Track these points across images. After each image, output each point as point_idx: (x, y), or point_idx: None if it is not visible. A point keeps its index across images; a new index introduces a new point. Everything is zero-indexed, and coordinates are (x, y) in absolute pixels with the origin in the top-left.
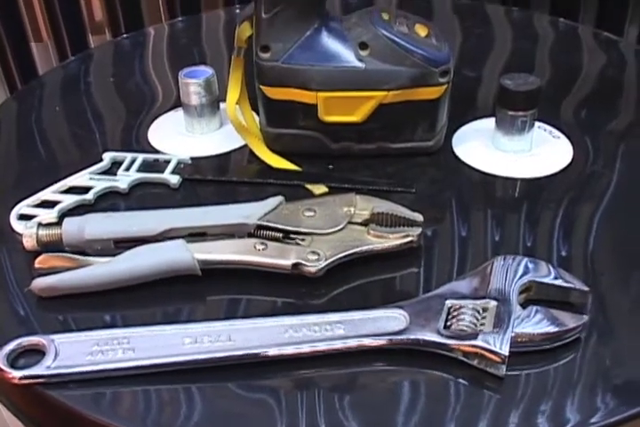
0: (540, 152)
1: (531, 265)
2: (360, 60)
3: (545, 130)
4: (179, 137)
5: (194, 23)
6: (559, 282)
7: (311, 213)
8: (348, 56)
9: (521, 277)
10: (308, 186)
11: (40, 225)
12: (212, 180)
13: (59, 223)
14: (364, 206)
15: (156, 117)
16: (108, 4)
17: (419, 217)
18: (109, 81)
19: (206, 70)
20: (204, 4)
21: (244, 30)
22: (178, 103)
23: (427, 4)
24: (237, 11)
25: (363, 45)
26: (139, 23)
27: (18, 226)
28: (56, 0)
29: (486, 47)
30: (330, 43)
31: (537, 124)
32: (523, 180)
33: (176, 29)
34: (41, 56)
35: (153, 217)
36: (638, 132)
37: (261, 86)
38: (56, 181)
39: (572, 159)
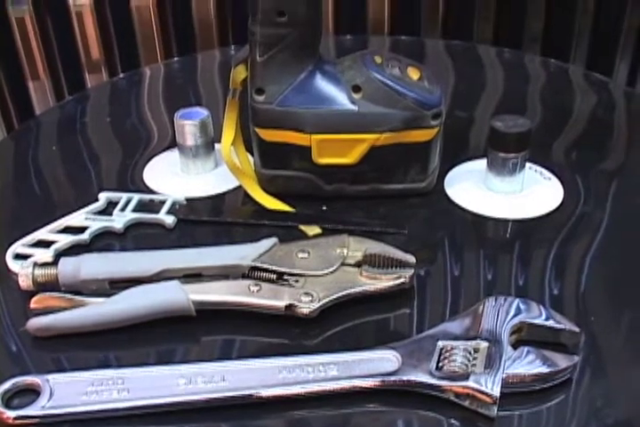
0: (531, 193)
1: (522, 306)
2: (353, 102)
3: (536, 171)
4: (174, 177)
5: (189, 63)
6: (550, 323)
7: (305, 255)
8: (341, 99)
9: (512, 318)
10: (302, 227)
11: (36, 265)
12: (206, 220)
13: (54, 263)
14: (356, 248)
15: (151, 157)
16: (104, 43)
17: (411, 259)
18: (106, 121)
19: (201, 111)
20: (200, 44)
21: (239, 73)
22: (173, 143)
23: (419, 46)
24: (232, 51)
25: (356, 88)
26: (135, 62)
27: (14, 265)
28: (53, 38)
29: (478, 88)
30: (323, 85)
31: (528, 164)
32: (514, 221)
33: (172, 69)
34: (37, 93)
35: (148, 258)
36: (628, 172)
37: (256, 128)
38: (52, 221)
39: (563, 200)
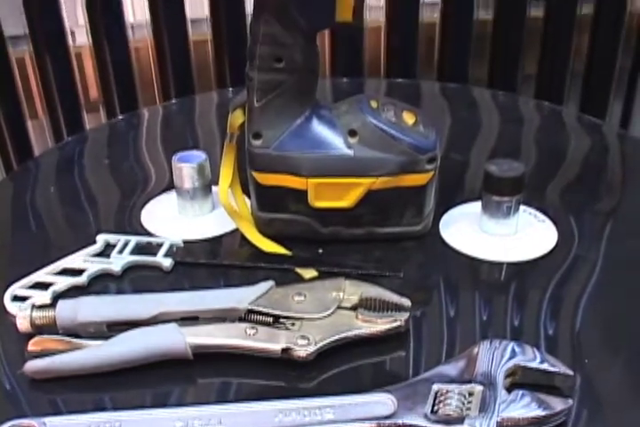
0: (525, 235)
1: (517, 349)
2: (349, 147)
3: (530, 213)
4: (171, 219)
5: (187, 105)
6: (545, 366)
7: (301, 298)
8: (337, 143)
9: (507, 361)
10: (299, 270)
11: (34, 307)
12: (204, 263)
13: (52, 305)
14: (352, 291)
15: (149, 199)
16: (103, 84)
17: (406, 302)
18: (104, 163)
19: (199, 155)
20: (198, 85)
21: (237, 117)
22: (171, 185)
23: (415, 88)
24: (230, 93)
25: (352, 133)
26: (133, 102)
27: (12, 307)
28: (52, 78)
29: (473, 131)
30: (320, 130)
31: (522, 207)
32: (509, 263)
33: (170, 111)
34: (36, 133)
35: (146, 301)
36: (622, 215)
37: (253, 172)
38: (50, 262)
39: (557, 242)
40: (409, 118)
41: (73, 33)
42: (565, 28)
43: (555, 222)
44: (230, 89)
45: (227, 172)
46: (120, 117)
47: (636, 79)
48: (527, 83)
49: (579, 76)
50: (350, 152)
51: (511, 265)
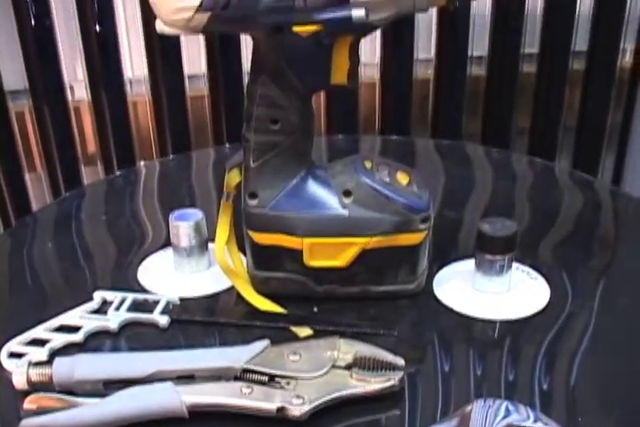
0: (518, 293)
1: (510, 408)
2: (344, 207)
3: (523, 271)
4: (168, 276)
5: (184, 161)
6: (538, 425)
7: (296, 357)
8: (332, 203)
9: (500, 420)
10: (294, 328)
11: (30, 364)
12: (200, 321)
13: (49, 362)
14: (347, 350)
15: (146, 256)
16: (101, 138)
17: (400, 361)
18: (101, 219)
19: (196, 213)
20: (195, 140)
21: (234, 177)
22: (168, 242)
23: (409, 145)
24: (227, 149)
25: (346, 193)
26: (130, 156)
27: (8, 364)
28: (51, 131)
29: (467, 188)
30: (315, 190)
31: (515, 265)
32: (502, 321)
33: (167, 167)
34: (34, 185)
35: (142, 359)
36: (614, 271)
37: (249, 232)
38: (47, 318)
39: (550, 300)
40: (403, 178)
41: (72, 88)
42: (557, 84)
43: (547, 280)
44: (227, 145)
45: (223, 230)
46: (118, 173)
47: (627, 134)
48: (520, 137)
49: (571, 131)
50: (345, 212)
51: (504, 323)
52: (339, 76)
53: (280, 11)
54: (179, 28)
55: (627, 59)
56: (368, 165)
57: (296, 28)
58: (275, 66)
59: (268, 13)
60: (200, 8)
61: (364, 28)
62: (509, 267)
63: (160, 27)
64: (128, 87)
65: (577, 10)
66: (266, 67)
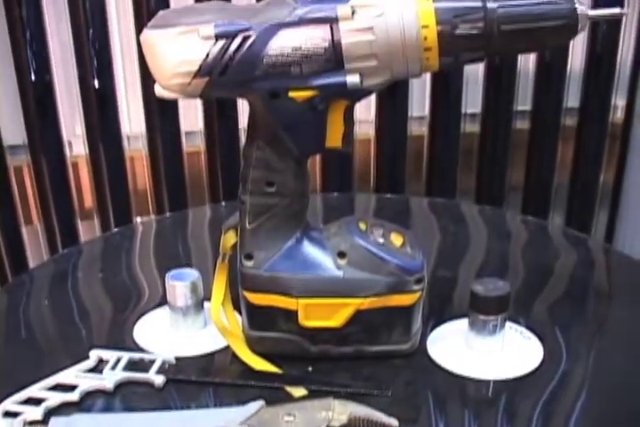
0: (511, 352)
1: None
2: (339, 268)
3: (516, 330)
4: (164, 335)
5: (181, 219)
6: None
7: (290, 418)
8: (327, 264)
9: None
10: (288, 388)
11: (25, 424)
12: (195, 381)
13: (44, 422)
14: (341, 411)
15: (142, 314)
16: (98, 192)
17: (394, 422)
18: (98, 276)
19: (192, 273)
20: (191, 196)
21: (229, 238)
22: (164, 300)
23: (404, 203)
24: (223, 207)
25: (341, 254)
26: (127, 211)
27: (3, 423)
28: (48, 186)
29: (461, 246)
30: (310, 251)
31: (508, 324)
32: (495, 381)
33: (163, 225)
34: (30, 239)
35: (137, 420)
36: (608, 330)
37: (244, 292)
38: (43, 377)
39: (543, 359)
40: (397, 239)
41: (70, 143)
42: (550, 140)
43: (541, 339)
44: (223, 203)
45: (219, 291)
46: (114, 230)
47: (619, 191)
48: (514, 193)
49: (564, 187)
50: (340, 273)
51: (498, 382)
52: (333, 139)
53: (276, 77)
54: (177, 92)
55: (618, 115)
56: (362, 226)
57: (292, 94)
58: (270, 130)
59: (265, 79)
60: (198, 74)
61: (359, 94)
62: (502, 326)
63: (158, 91)
64: (126, 143)
65: (568, 67)
66: (262, 130)
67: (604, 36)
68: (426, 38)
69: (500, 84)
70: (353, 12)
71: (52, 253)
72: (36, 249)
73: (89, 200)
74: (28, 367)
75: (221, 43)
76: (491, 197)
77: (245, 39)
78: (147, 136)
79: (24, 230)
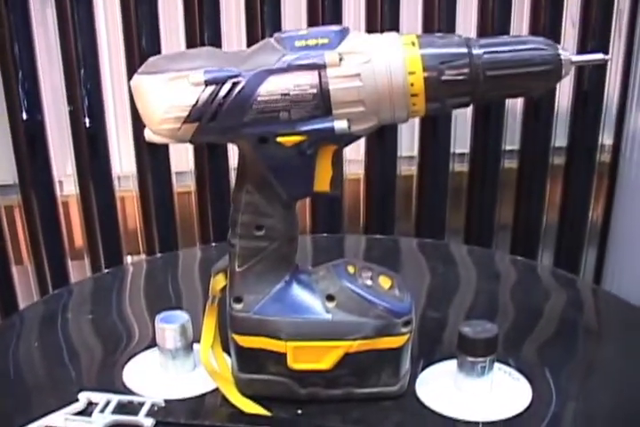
0: (500, 394)
1: None
2: (327, 311)
3: (505, 372)
4: (153, 377)
5: (171, 260)
6: None
7: None
8: (316, 307)
9: None
10: None
11: None
12: (184, 424)
13: None
14: None
15: (131, 356)
16: (88, 232)
17: None
18: (87, 318)
19: (181, 315)
20: (182, 236)
21: (219, 281)
22: (154, 342)
23: (393, 244)
24: (213, 249)
25: (330, 298)
26: (117, 251)
27: None
28: (39, 225)
29: (450, 287)
30: (299, 294)
31: (497, 365)
32: (484, 423)
33: (154, 266)
34: (20, 278)
35: None
36: (597, 370)
37: (234, 335)
38: (31, 420)
39: (532, 400)
40: (385, 282)
41: (61, 182)
42: (538, 179)
43: (530, 380)
44: (213, 244)
45: (208, 334)
46: (105, 271)
47: (607, 230)
48: (503, 232)
49: (553, 227)
50: (328, 316)
51: (487, 424)
52: (322, 184)
53: (265, 122)
54: (167, 137)
55: (606, 154)
56: (351, 269)
57: (280, 139)
58: (259, 174)
59: (254, 124)
60: (188, 119)
61: (347, 139)
62: (491, 368)
63: (148, 135)
64: (116, 182)
65: (555, 106)
66: (251, 175)
67: (591, 76)
68: (412, 84)
69: (488, 123)
70: (340, 59)
71: (42, 293)
72: (26, 289)
73: (79, 240)
74: (16, 410)
75: (211, 89)
76: (480, 236)
77: (235, 85)
78: (137, 176)
79: (14, 270)
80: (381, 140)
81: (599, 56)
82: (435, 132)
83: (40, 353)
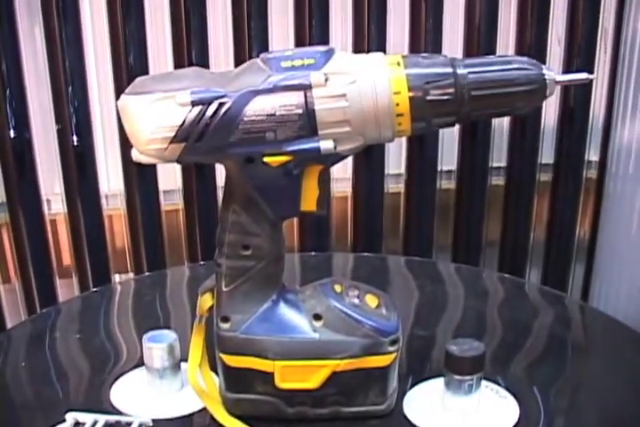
0: (487, 412)
1: None
2: (315, 330)
3: (492, 389)
4: (141, 397)
5: (159, 279)
6: None
7: None
8: (303, 327)
9: None
10: None
11: None
12: None
13: None
14: None
15: (119, 376)
16: (76, 251)
17: None
18: (75, 337)
19: (169, 335)
20: (169, 254)
21: (206, 301)
22: (142, 361)
23: (381, 261)
24: (201, 268)
25: (317, 317)
26: (105, 269)
27: None
28: (26, 243)
29: (438, 305)
30: (286, 314)
31: (485, 383)
32: None
33: (142, 285)
34: (8, 297)
35: None
36: (584, 387)
37: (221, 354)
38: None
39: (519, 418)
40: (372, 301)
41: (49, 201)
42: (526, 195)
43: (517, 397)
44: (201, 262)
45: (196, 353)
46: (93, 290)
47: (594, 246)
48: (491, 249)
49: (540, 243)
50: (315, 336)
51: None
52: (308, 203)
53: (251, 142)
54: (154, 157)
55: (592, 170)
56: (338, 288)
57: (266, 159)
58: (246, 194)
59: (240, 145)
60: (175, 139)
61: (333, 159)
62: (478, 386)
63: (135, 155)
64: (104, 201)
65: (542, 123)
66: (237, 195)
67: (577, 93)
68: (398, 104)
69: (475, 140)
70: (326, 79)
71: (30, 312)
72: (13, 308)
73: (67, 258)
74: None
75: (198, 109)
76: (467, 253)
77: (221, 106)
78: (125, 194)
79: (2, 289)
80: (369, 158)
81: (583, 76)
82: (422, 149)
83: (27, 373)
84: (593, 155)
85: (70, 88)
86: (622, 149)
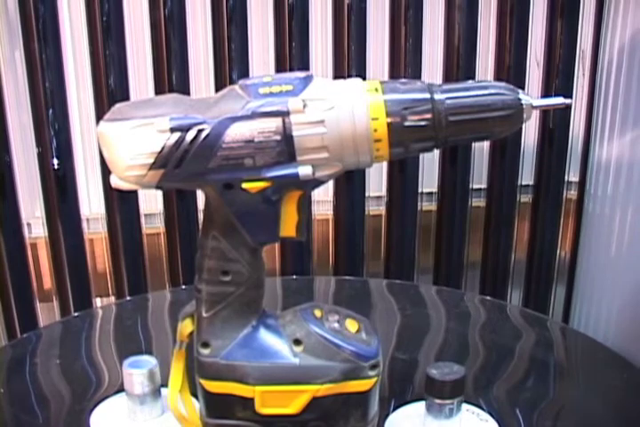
0: None
1: None
2: (295, 355)
3: (473, 413)
4: (121, 423)
5: (141, 304)
6: None
7: None
8: (283, 352)
9: None
10: None
11: None
12: None
13: None
14: None
15: (99, 402)
16: (57, 275)
17: None
18: (56, 362)
19: (149, 360)
20: (151, 278)
21: (186, 326)
22: (122, 387)
23: (362, 284)
24: (183, 292)
25: (297, 342)
26: (86, 293)
27: None
28: (7, 267)
29: (420, 328)
30: (266, 339)
31: (466, 406)
32: None
33: (123, 310)
34: None
35: None
36: (566, 409)
37: (201, 380)
38: None
39: None
40: (352, 326)
41: (29, 224)
42: (506, 217)
43: (499, 420)
44: (183, 286)
45: (176, 379)
46: (74, 315)
47: (574, 267)
48: (472, 270)
49: (521, 263)
50: (296, 361)
51: None
52: (287, 229)
53: (230, 168)
54: (133, 183)
55: (572, 191)
56: (318, 313)
57: (245, 185)
58: (225, 220)
59: (219, 171)
60: (154, 166)
61: (312, 184)
62: (459, 410)
63: (115, 181)
64: (85, 225)
65: (522, 145)
66: (216, 221)
67: (556, 114)
68: (376, 130)
69: (455, 162)
70: (304, 106)
71: (10, 336)
72: None
73: (48, 282)
74: None
75: (176, 136)
76: (449, 275)
77: (200, 132)
78: (106, 218)
79: None
80: (350, 181)
81: (560, 100)
82: (402, 171)
83: (7, 399)
84: (573, 176)
85: (51, 111)
86: (601, 170)
